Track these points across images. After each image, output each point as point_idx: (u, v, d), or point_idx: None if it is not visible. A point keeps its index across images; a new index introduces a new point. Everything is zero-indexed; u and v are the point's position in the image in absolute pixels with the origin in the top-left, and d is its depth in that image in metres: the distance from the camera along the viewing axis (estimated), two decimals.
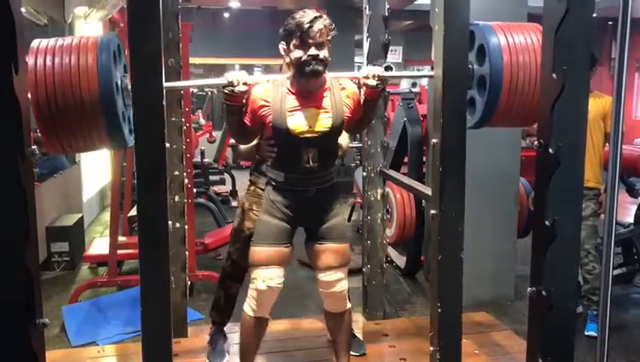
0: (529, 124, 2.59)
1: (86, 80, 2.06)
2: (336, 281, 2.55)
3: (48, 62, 2.05)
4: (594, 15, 1.88)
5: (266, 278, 2.48)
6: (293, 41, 2.37)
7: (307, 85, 2.43)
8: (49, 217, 5.48)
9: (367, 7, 3.36)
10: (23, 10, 5.14)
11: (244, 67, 17.76)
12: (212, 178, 7.72)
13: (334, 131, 2.46)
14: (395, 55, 13.79)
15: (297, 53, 2.36)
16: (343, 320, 2.65)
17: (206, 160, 7.55)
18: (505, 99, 2.40)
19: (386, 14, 3.34)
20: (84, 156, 6.91)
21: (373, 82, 2.42)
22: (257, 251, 2.50)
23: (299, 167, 2.44)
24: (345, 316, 2.64)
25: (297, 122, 2.41)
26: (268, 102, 2.43)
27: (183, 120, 3.21)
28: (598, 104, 3.79)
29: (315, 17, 2.37)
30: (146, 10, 1.99)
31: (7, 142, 1.49)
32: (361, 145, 3.67)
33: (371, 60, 3.33)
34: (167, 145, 2.15)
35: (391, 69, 3.18)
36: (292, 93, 2.45)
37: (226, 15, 14.24)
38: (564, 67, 1.85)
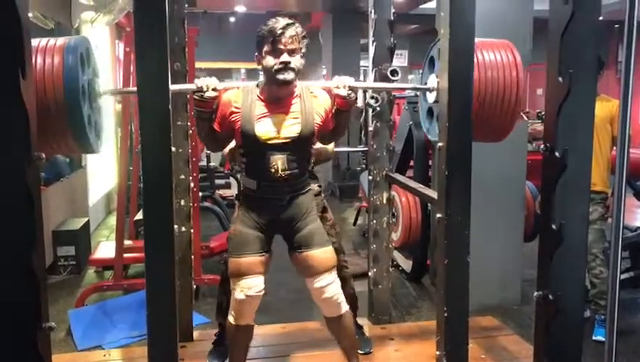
0: (500, 139, 2.62)
1: (51, 82, 2.06)
2: (327, 286, 2.54)
3: None
4: (600, 18, 1.87)
5: (244, 288, 2.48)
6: (265, 48, 2.39)
7: (277, 92, 2.45)
8: (55, 221, 5.50)
9: (373, 11, 3.37)
10: (30, 15, 5.16)
11: (249, 71, 17.87)
12: (218, 182, 7.72)
13: (303, 138, 2.46)
14: (400, 59, 13.80)
15: (269, 60, 2.38)
16: (342, 323, 2.63)
17: (212, 164, 7.56)
18: (474, 114, 2.42)
19: (392, 18, 3.34)
20: (90, 160, 6.94)
21: (343, 92, 2.43)
22: (233, 262, 2.51)
23: (269, 175, 2.44)
24: (343, 319, 2.62)
25: (265, 128, 2.42)
26: (238, 108, 2.45)
27: (188, 124, 3.22)
28: (605, 107, 3.78)
29: (288, 24, 2.38)
30: (152, 14, 2.00)
31: (14, 146, 1.50)
32: (366, 148, 3.66)
33: (377, 64, 3.33)
34: (173, 149, 2.15)
35: (397, 72, 3.19)
36: (261, 99, 2.46)
37: (232, 19, 14.30)
38: (570, 70, 1.85)
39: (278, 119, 2.44)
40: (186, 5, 3.20)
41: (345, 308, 2.63)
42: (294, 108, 2.47)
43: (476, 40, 2.51)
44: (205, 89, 2.35)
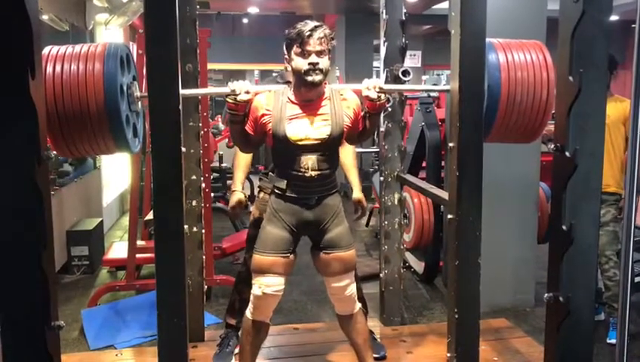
0: (528, 140, 2.60)
1: (92, 86, 2.12)
2: (347, 286, 2.61)
3: (58, 68, 2.12)
4: (617, 18, 1.86)
5: (263, 285, 2.51)
6: (294, 49, 2.42)
7: (307, 94, 2.47)
8: (69, 221, 5.53)
9: (385, 11, 3.36)
10: (45, 17, 5.18)
11: (263, 72, 17.97)
12: (230, 183, 7.76)
13: (333, 140, 2.48)
14: (414, 59, 13.75)
15: (298, 62, 2.41)
16: (356, 320, 2.68)
17: (224, 164, 7.58)
18: (502, 115, 2.41)
19: (403, 18, 3.33)
20: (104, 161, 6.98)
21: (373, 94, 2.44)
22: (257, 258, 2.54)
23: (299, 175, 2.46)
24: (357, 316, 2.68)
25: (296, 130, 2.45)
26: (269, 110, 2.48)
27: (200, 125, 3.23)
28: (619, 108, 3.74)
29: (316, 26, 2.41)
30: (162, 16, 2.01)
31: (24, 146, 1.51)
32: (378, 149, 3.66)
33: (388, 64, 3.32)
34: (184, 149, 2.16)
35: (408, 73, 3.18)
36: (292, 101, 2.49)
37: (245, 21, 14.35)
38: (580, 70, 1.83)
39: (308, 121, 2.47)
40: (198, 7, 3.21)
41: (358, 306, 2.69)
42: (324, 109, 2.50)
43: (505, 40, 2.50)
44: (238, 92, 2.38)
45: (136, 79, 2.44)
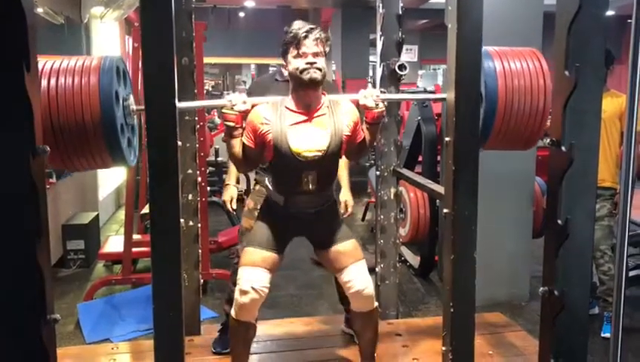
0: (527, 148, 2.61)
1: (88, 99, 2.13)
2: (356, 278, 2.56)
3: (52, 82, 2.12)
4: (613, 13, 1.86)
5: (249, 280, 2.49)
6: (291, 52, 2.41)
7: (305, 97, 2.44)
8: (65, 215, 5.53)
9: (381, 5, 3.35)
10: (40, 10, 5.16)
11: (259, 67, 17.89)
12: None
13: (332, 150, 2.45)
14: (410, 54, 13.76)
15: (295, 63, 2.39)
16: (371, 319, 2.66)
17: (220, 158, 7.57)
18: (500, 122, 2.42)
19: (400, 12, 3.33)
20: None
21: (370, 101, 2.43)
22: (247, 251, 2.54)
23: (299, 188, 2.45)
24: (372, 314, 2.66)
25: (297, 140, 2.41)
26: (267, 119, 2.44)
27: (196, 119, 3.23)
28: (615, 103, 3.76)
29: (312, 28, 2.41)
30: (158, 9, 2.00)
31: (20, 139, 1.50)
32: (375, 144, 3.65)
33: (385, 59, 3.32)
34: (180, 143, 2.16)
35: (405, 67, 3.19)
36: (291, 110, 2.46)
37: (242, 14, 14.32)
38: (577, 64, 1.83)
39: (308, 130, 2.44)
40: (194, 0, 3.20)
41: (375, 303, 2.65)
42: (323, 119, 2.46)
43: (501, 48, 2.51)
44: (235, 102, 2.38)
45: (131, 92, 2.44)
